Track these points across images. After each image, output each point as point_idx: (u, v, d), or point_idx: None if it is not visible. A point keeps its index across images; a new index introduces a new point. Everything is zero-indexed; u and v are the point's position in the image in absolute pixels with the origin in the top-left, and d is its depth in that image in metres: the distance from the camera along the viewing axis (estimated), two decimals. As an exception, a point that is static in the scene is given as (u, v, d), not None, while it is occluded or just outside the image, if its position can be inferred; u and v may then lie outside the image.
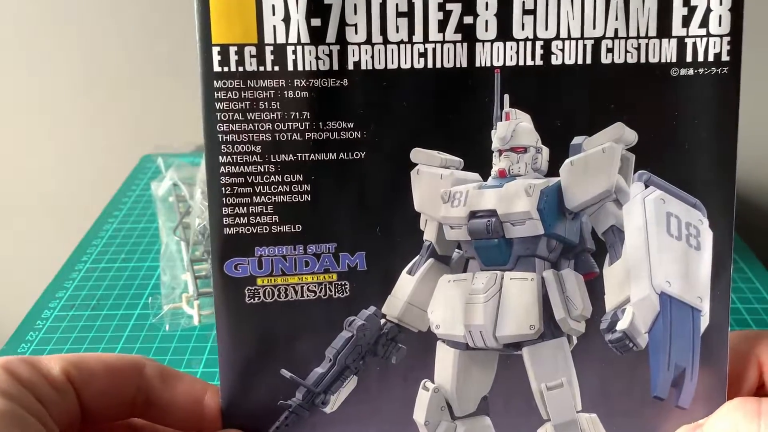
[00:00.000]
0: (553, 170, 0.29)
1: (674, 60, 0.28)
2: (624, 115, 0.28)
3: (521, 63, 0.28)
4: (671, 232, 0.28)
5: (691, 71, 0.28)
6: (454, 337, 0.29)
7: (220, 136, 0.27)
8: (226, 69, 0.27)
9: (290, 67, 0.27)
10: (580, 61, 0.28)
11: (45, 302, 0.55)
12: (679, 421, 0.29)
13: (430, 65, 0.27)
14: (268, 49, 0.26)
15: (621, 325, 0.28)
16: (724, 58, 0.28)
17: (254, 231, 0.28)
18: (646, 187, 0.28)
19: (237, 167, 0.27)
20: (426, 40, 0.27)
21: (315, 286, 0.28)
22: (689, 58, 0.28)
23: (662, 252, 0.28)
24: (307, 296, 0.28)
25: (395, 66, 0.27)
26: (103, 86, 0.94)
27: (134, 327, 0.51)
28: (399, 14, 0.27)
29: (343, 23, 0.27)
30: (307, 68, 0.27)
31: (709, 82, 0.28)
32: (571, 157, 0.28)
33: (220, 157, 0.27)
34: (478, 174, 0.29)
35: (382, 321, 0.29)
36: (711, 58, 0.28)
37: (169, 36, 0.90)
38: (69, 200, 1.03)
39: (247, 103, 0.27)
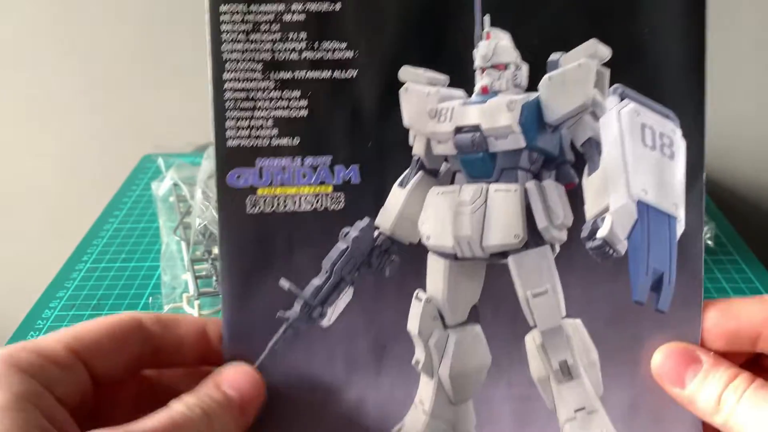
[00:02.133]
0: (532, 86, 0.30)
1: None
2: (598, 32, 0.29)
3: None
4: (646, 143, 0.29)
5: None
6: (444, 248, 0.31)
7: (224, 54, 0.30)
8: None
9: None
10: None
11: (45, 302, 0.55)
12: (661, 325, 0.30)
13: None
14: None
15: (601, 233, 0.29)
16: None
17: (255, 144, 0.29)
18: (621, 99, 0.29)
19: (239, 83, 0.29)
20: None
21: (312, 198, 0.30)
22: None
23: (638, 162, 0.29)
24: (304, 207, 0.30)
25: None
26: (104, 86, 0.94)
27: (135, 327, 0.51)
28: None
29: None
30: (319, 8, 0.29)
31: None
32: (549, 73, 0.29)
33: (224, 74, 0.30)
34: (463, 90, 0.30)
35: (376, 233, 0.31)
36: None
37: (170, 36, 0.90)
38: (69, 200, 1.03)
39: (250, 25, 0.29)
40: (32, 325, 0.52)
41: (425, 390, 0.31)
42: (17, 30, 0.90)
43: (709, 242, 0.59)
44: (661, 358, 0.29)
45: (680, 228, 0.30)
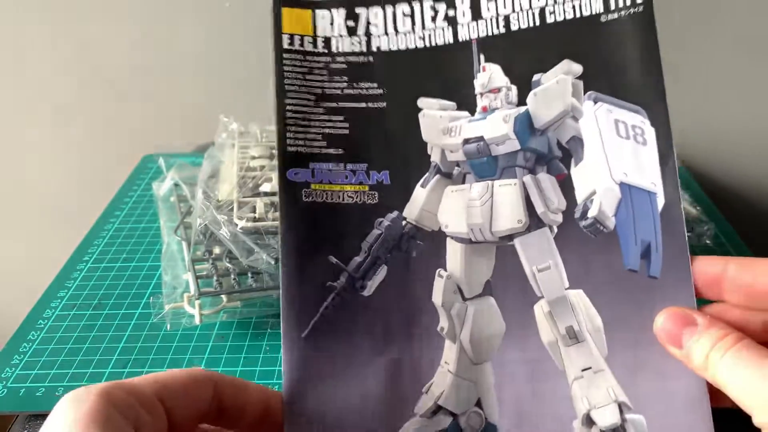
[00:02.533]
0: (522, 101, 0.37)
1: (602, 10, 0.37)
2: (569, 55, 0.37)
3: (490, 33, 0.39)
4: (620, 134, 0.35)
5: (615, 15, 0.37)
6: (460, 234, 0.37)
7: (286, 87, 0.38)
8: (292, 47, 0.39)
9: (333, 49, 0.39)
10: (531, 25, 0.38)
11: (46, 302, 0.55)
12: (655, 289, 0.34)
13: (427, 45, 0.39)
14: (320, 39, 0.39)
15: (591, 213, 0.35)
16: (638, 0, 0.36)
17: (309, 151, 0.38)
18: (595, 103, 0.36)
19: (297, 107, 0.38)
20: (423, 28, 0.39)
21: (352, 194, 0.37)
22: (612, 6, 0.37)
23: (616, 151, 0.35)
24: (347, 201, 0.37)
25: (404, 47, 0.39)
26: (105, 86, 0.94)
27: (135, 326, 0.51)
28: (404, 15, 0.40)
29: (368, 23, 0.40)
30: (345, 50, 0.39)
31: (630, 20, 0.36)
32: (534, 90, 0.37)
33: (286, 101, 0.38)
34: (467, 112, 0.38)
35: (404, 222, 0.37)
36: (629, 2, 0.36)
37: (171, 36, 0.90)
38: (70, 200, 1.03)
39: (306, 69, 0.39)
40: (33, 325, 0.52)
41: (449, 353, 0.36)
42: (17, 30, 0.90)
43: (709, 242, 0.59)
44: (662, 320, 0.32)
45: (661, 201, 0.35)
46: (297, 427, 0.33)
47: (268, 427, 0.32)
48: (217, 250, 0.54)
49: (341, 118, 0.38)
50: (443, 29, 0.39)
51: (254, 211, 0.53)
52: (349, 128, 0.38)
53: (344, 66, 0.39)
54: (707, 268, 0.33)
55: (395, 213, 0.37)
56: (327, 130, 0.38)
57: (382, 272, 0.37)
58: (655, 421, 0.33)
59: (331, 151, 0.38)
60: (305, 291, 0.36)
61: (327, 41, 0.39)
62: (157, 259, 0.60)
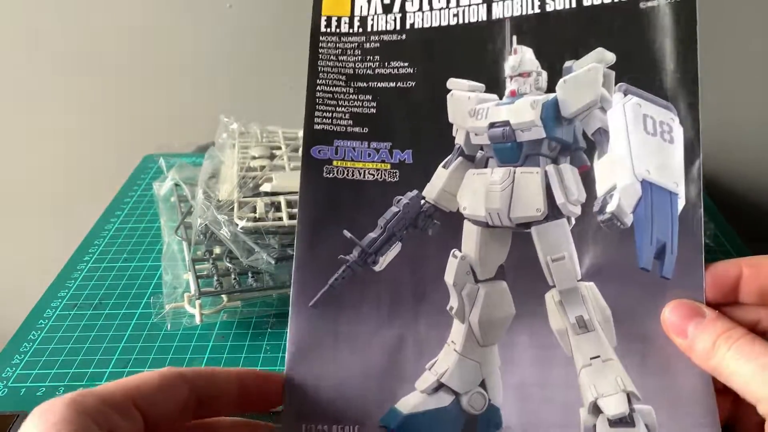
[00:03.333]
0: (551, 88, 0.36)
1: None
2: (602, 43, 0.36)
3: (524, 13, 0.38)
4: (648, 130, 0.34)
5: (655, 2, 0.35)
6: (477, 217, 0.37)
7: (319, 67, 0.39)
8: (328, 30, 0.40)
9: (369, 29, 0.40)
10: (567, 6, 0.37)
11: (47, 302, 0.55)
12: (665, 291, 0.34)
13: (460, 21, 0.39)
14: (356, 18, 0.40)
15: (610, 208, 0.34)
16: None
17: (334, 129, 0.38)
18: (625, 95, 0.35)
19: (328, 87, 0.39)
20: (458, 5, 0.39)
21: (374, 171, 0.38)
22: None
23: (641, 146, 0.34)
24: (368, 178, 0.38)
25: (437, 24, 0.39)
26: (105, 86, 0.94)
27: (136, 326, 0.51)
28: None
29: (403, 0, 0.40)
30: (380, 29, 0.40)
31: (669, 8, 0.35)
32: (564, 77, 0.36)
33: (318, 80, 0.39)
34: (496, 95, 0.38)
35: (422, 201, 0.37)
36: None
37: (171, 36, 0.90)
38: (71, 200, 1.03)
39: (339, 49, 0.39)
40: (34, 325, 0.52)
41: (457, 332, 0.36)
42: (17, 30, 0.90)
43: (709, 242, 0.59)
44: (669, 310, 0.33)
45: (681, 203, 0.34)
46: (296, 393, 0.34)
47: (248, 405, 0.33)
48: (217, 250, 0.54)
49: (370, 97, 0.39)
50: (477, 6, 0.39)
51: (254, 211, 0.53)
52: (376, 107, 0.39)
53: (377, 45, 0.40)
54: (723, 272, 0.33)
55: (414, 192, 0.38)
56: (355, 110, 0.39)
57: (396, 248, 0.37)
58: (662, 413, 0.33)
59: (357, 129, 0.38)
60: (317, 262, 0.36)
61: (363, 20, 0.40)
62: (157, 259, 0.60)
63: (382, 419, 0.35)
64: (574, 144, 0.36)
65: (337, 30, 0.40)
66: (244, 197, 0.55)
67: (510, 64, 0.37)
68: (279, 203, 0.55)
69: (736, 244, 0.60)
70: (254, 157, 0.62)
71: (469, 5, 0.39)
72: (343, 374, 0.35)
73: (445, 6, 0.40)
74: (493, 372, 0.36)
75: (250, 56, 0.90)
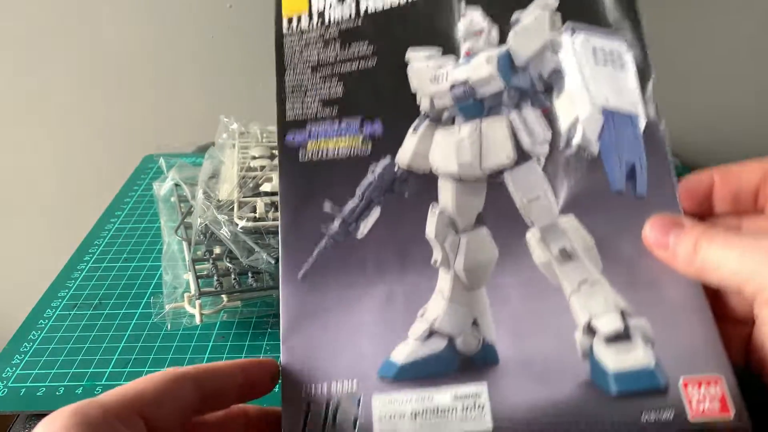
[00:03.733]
0: (503, 40, 0.39)
1: None
2: None
3: None
4: (599, 62, 0.37)
5: None
6: (451, 173, 0.38)
7: (285, 61, 0.42)
8: (290, 30, 0.43)
9: (326, 21, 0.42)
10: None
11: (47, 301, 0.55)
12: (643, 210, 0.35)
13: (409, 1, 0.41)
14: (314, 12, 0.43)
15: (575, 140, 0.36)
16: None
17: (305, 116, 0.41)
18: (573, 33, 0.38)
19: (295, 78, 0.42)
20: None
21: (346, 148, 0.39)
22: None
23: (595, 78, 0.36)
24: (341, 154, 0.39)
25: (389, 6, 0.42)
26: (105, 86, 0.95)
27: (136, 326, 0.51)
28: None
29: None
30: (337, 18, 0.42)
31: None
32: (514, 28, 0.38)
33: (285, 77, 0.42)
34: (453, 56, 0.40)
35: (396, 167, 0.39)
36: None
37: (172, 36, 0.90)
38: (71, 200, 1.03)
39: (303, 43, 0.42)
40: (34, 325, 0.52)
41: (444, 281, 0.37)
42: (18, 30, 0.90)
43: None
44: (649, 227, 0.34)
45: (642, 122, 0.36)
46: (293, 362, 0.35)
47: (249, 394, 0.33)
48: (217, 250, 0.54)
49: (336, 81, 0.41)
50: None
51: (254, 211, 0.53)
52: (343, 89, 0.41)
53: (337, 34, 0.42)
54: (695, 184, 0.35)
55: (387, 159, 0.39)
56: (322, 95, 0.41)
57: (375, 213, 0.38)
58: (657, 325, 0.33)
59: (327, 111, 0.41)
60: (301, 237, 0.38)
61: (321, 14, 0.43)
62: (157, 259, 0.60)
63: (379, 371, 0.35)
64: (532, 88, 0.38)
65: (298, 29, 0.43)
66: (244, 197, 0.55)
67: (462, 25, 0.40)
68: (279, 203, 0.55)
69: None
70: (254, 157, 0.62)
71: None
72: (336, 336, 0.36)
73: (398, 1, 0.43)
74: (483, 312, 0.37)
75: (250, 56, 0.90)
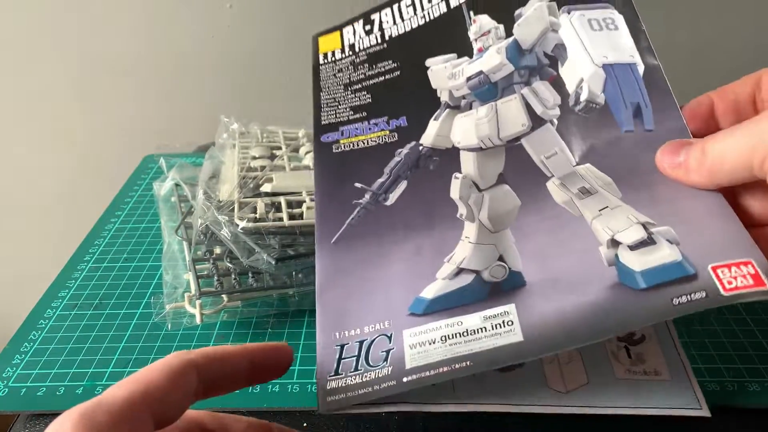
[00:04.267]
0: (509, 35, 0.44)
1: None
2: None
3: None
4: (594, 29, 0.41)
5: None
6: (471, 145, 0.42)
7: (321, 85, 0.50)
8: (325, 61, 0.52)
9: (357, 49, 0.51)
10: None
11: (47, 301, 0.55)
12: (653, 141, 0.37)
13: (428, 19, 0.49)
14: (346, 46, 0.52)
15: (583, 97, 0.40)
16: None
17: (338, 120, 0.48)
18: (569, 12, 0.42)
19: (329, 95, 0.49)
20: (423, 9, 0.50)
21: (375, 138, 0.45)
22: None
23: (593, 42, 0.41)
24: (371, 144, 0.45)
25: (410, 27, 0.49)
26: (105, 86, 0.95)
27: (136, 326, 0.51)
28: (407, 6, 0.50)
29: (381, 22, 0.51)
30: (365, 46, 0.51)
31: None
32: (517, 21, 0.43)
33: (321, 94, 0.49)
34: (467, 56, 0.46)
35: (420, 147, 0.44)
36: None
37: (172, 36, 0.90)
38: (71, 200, 1.03)
39: (336, 69, 0.51)
40: (35, 325, 0.52)
41: (469, 229, 0.40)
42: (17, 30, 0.90)
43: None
44: (660, 153, 0.36)
45: (641, 68, 0.40)
46: (327, 312, 0.39)
47: (257, 378, 0.33)
48: (217, 250, 0.54)
49: (365, 92, 0.48)
50: (438, 4, 0.49)
51: (255, 212, 0.53)
52: (371, 98, 0.48)
53: (365, 57, 0.50)
54: (696, 106, 0.37)
55: (413, 142, 0.44)
56: (353, 104, 0.48)
57: (402, 185, 0.43)
58: (681, 230, 0.34)
59: (357, 115, 0.47)
60: (334, 210, 0.43)
61: (351, 46, 0.52)
62: (157, 259, 0.60)
63: (410, 308, 0.37)
64: (539, 64, 0.42)
65: (332, 59, 0.51)
66: (244, 197, 0.55)
67: (472, 30, 0.45)
68: (279, 203, 0.55)
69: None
70: (254, 158, 0.62)
71: (432, 6, 0.49)
72: (367, 286, 0.39)
73: (413, 15, 0.50)
74: (509, 247, 0.39)
75: (250, 56, 0.90)
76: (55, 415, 0.44)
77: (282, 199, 0.55)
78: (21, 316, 0.53)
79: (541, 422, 0.41)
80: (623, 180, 0.37)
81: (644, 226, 0.34)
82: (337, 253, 0.41)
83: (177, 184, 0.63)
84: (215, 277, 0.52)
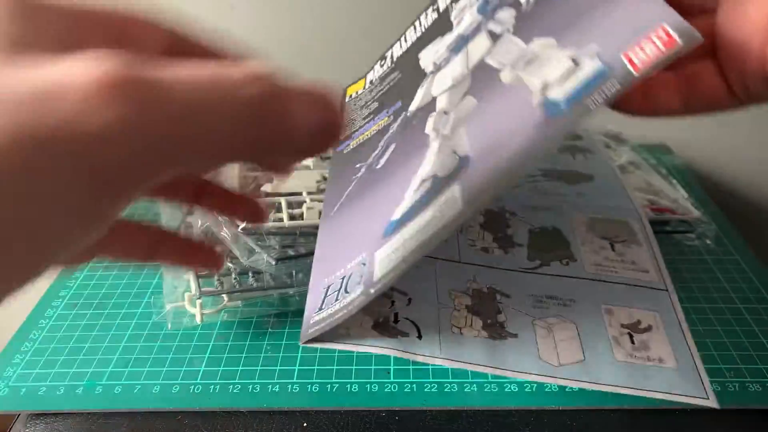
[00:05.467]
0: None
1: None
2: None
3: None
4: None
5: None
6: (446, 87, 0.44)
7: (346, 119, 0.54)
8: (350, 98, 0.59)
9: (374, 81, 0.57)
10: None
11: (48, 301, 0.55)
12: None
13: (423, 30, 0.53)
14: (368, 83, 0.58)
15: None
16: None
17: (352, 131, 0.54)
18: None
19: (349, 119, 0.56)
20: (420, 25, 0.53)
21: (376, 128, 0.51)
22: None
23: None
24: (372, 134, 0.51)
25: (410, 43, 0.54)
26: (106, 87, 0.95)
27: (136, 326, 0.51)
28: (410, 31, 0.55)
29: (392, 52, 0.57)
30: (381, 75, 0.57)
31: None
32: None
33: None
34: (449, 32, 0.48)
35: (406, 113, 0.47)
36: None
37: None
38: (72, 200, 1.03)
39: (359, 102, 0.57)
40: (35, 324, 0.52)
41: (434, 144, 0.42)
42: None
43: (710, 242, 0.59)
44: None
45: None
46: (318, 266, 0.45)
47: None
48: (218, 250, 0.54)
49: (376, 104, 0.54)
50: (430, 14, 0.53)
51: (255, 211, 0.53)
52: (378, 104, 0.54)
53: (378, 81, 0.57)
54: None
55: (398, 103, 0.50)
56: (365, 114, 0.54)
57: (391, 148, 0.47)
58: (602, 39, 0.31)
59: (366, 120, 0.53)
60: (338, 186, 0.49)
61: (372, 81, 0.58)
62: (158, 258, 0.60)
63: (383, 234, 0.40)
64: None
65: (357, 96, 0.58)
66: (244, 197, 0.55)
67: (453, 13, 0.48)
68: (279, 204, 0.55)
69: (737, 245, 0.60)
70: (255, 157, 0.62)
71: (426, 18, 0.53)
72: (352, 231, 0.43)
73: (414, 34, 0.55)
74: (461, 139, 0.39)
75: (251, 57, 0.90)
76: (55, 415, 0.44)
77: (282, 200, 0.55)
78: (21, 315, 0.53)
79: (540, 421, 0.41)
80: (558, 15, 0.35)
81: (572, 59, 0.32)
82: (334, 219, 0.46)
83: (177, 184, 0.63)
84: (215, 277, 0.52)
